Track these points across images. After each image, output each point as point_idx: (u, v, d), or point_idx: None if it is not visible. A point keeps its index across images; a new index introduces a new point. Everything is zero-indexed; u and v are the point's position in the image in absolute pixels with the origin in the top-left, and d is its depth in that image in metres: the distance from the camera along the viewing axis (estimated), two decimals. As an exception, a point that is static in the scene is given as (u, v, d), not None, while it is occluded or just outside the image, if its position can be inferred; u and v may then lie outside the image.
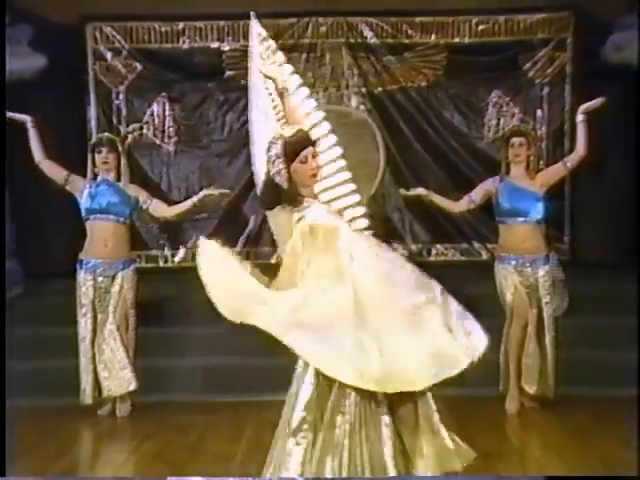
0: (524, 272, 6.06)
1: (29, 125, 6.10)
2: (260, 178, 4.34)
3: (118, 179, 6.19)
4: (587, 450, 5.09)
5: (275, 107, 4.51)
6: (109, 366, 6.05)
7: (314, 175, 3.95)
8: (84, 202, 6.13)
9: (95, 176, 6.17)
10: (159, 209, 6.32)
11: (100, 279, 6.12)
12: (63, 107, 8.31)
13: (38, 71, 8.05)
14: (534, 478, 4.16)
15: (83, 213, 6.16)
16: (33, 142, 6.11)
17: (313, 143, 3.99)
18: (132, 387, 6.07)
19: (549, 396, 6.04)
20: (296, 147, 3.91)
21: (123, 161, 6.22)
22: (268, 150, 3.95)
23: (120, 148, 6.27)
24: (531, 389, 6.03)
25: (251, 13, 5.11)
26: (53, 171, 6.17)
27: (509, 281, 6.06)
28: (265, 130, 4.45)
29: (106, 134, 6.54)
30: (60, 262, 7.08)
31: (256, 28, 5.02)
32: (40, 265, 7.92)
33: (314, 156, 3.95)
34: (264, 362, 6.13)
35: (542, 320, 6.04)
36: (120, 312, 6.11)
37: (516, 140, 6.07)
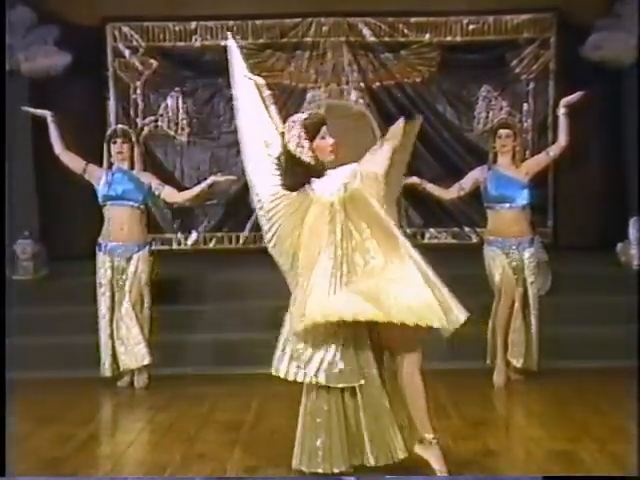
0: (511, 254, 5.99)
1: (49, 120, 6.02)
2: (259, 174, 3.99)
3: (132, 168, 6.09)
4: (567, 418, 5.05)
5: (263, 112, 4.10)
6: (125, 342, 5.98)
7: (332, 151, 3.88)
8: (101, 189, 6.04)
9: (111, 165, 6.07)
10: (170, 195, 6.23)
11: (117, 261, 6.03)
12: (86, 101, 8.36)
13: (63, 68, 8.07)
14: (534, 478, 4.06)
15: (100, 200, 6.07)
16: (53, 135, 6.02)
17: (325, 123, 3.89)
18: (146, 362, 5.99)
19: (533, 369, 5.98)
20: (316, 125, 3.86)
21: (136, 150, 6.12)
22: (289, 131, 3.84)
23: (133, 139, 6.19)
24: (517, 362, 5.95)
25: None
26: (72, 162, 6.09)
27: (497, 262, 5.98)
28: (255, 132, 4.01)
29: (120, 126, 6.45)
30: (81, 245, 7.04)
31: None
32: (63, 248, 7.89)
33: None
34: (270, 336, 6.06)
35: (527, 298, 5.97)
36: (135, 291, 6.02)
37: (503, 132, 5.99)
